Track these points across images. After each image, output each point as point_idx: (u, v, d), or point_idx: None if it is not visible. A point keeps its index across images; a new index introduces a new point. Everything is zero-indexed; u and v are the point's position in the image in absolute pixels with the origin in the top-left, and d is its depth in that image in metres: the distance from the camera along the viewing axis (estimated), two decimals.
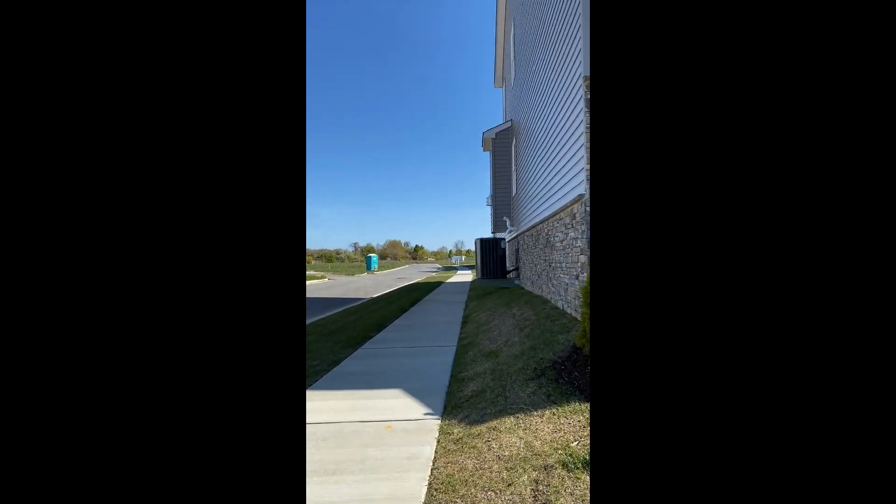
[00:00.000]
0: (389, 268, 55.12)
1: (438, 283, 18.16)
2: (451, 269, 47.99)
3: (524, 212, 8.80)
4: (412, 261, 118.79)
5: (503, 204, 10.94)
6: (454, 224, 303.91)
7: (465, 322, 7.11)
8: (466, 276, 23.47)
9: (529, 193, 8.10)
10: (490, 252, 9.84)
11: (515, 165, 10.18)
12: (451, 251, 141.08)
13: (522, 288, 8.83)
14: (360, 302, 12.14)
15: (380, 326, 7.09)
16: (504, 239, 9.68)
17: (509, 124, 10.98)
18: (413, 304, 10.35)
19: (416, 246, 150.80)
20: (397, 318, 8.12)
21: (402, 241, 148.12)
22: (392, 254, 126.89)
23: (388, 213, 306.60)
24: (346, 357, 5.01)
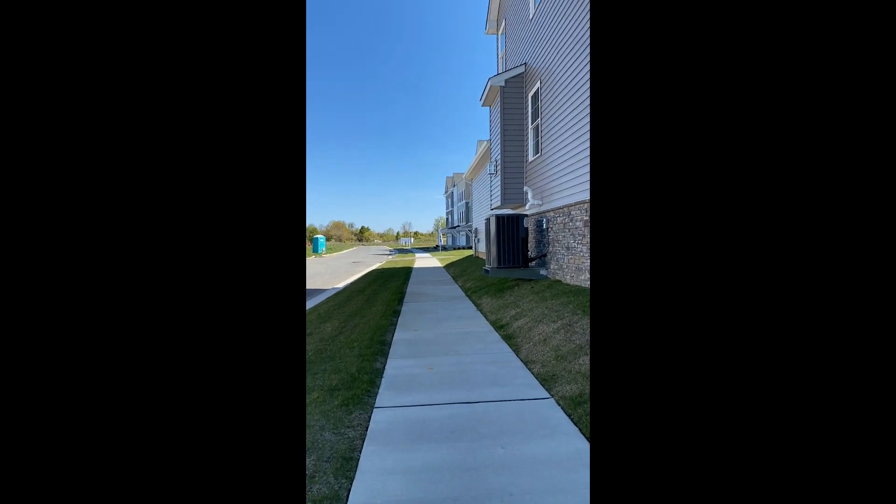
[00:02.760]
0: (337, 250, 51.44)
1: (407, 270, 15.67)
2: (406, 251, 45.47)
3: (561, 181, 6.56)
4: (358, 242, 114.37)
5: (514, 171, 8.62)
6: (401, 205, 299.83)
7: (509, 336, 4.77)
8: (430, 261, 21.16)
9: (579, 155, 5.84)
10: (509, 233, 7.47)
11: (537, 121, 7.87)
12: (398, 233, 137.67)
13: (561, 282, 6.66)
14: (324, 296, 9.43)
15: (380, 345, 4.57)
16: (524, 216, 7.40)
17: (522, 68, 8.59)
18: (399, 300, 7.84)
19: (362, 227, 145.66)
20: (394, 326, 5.62)
21: (347, 223, 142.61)
22: (337, 235, 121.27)
23: (329, 192, 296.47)
24: (363, 442, 2.49)
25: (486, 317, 6.01)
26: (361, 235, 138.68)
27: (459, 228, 43.90)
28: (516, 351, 4.23)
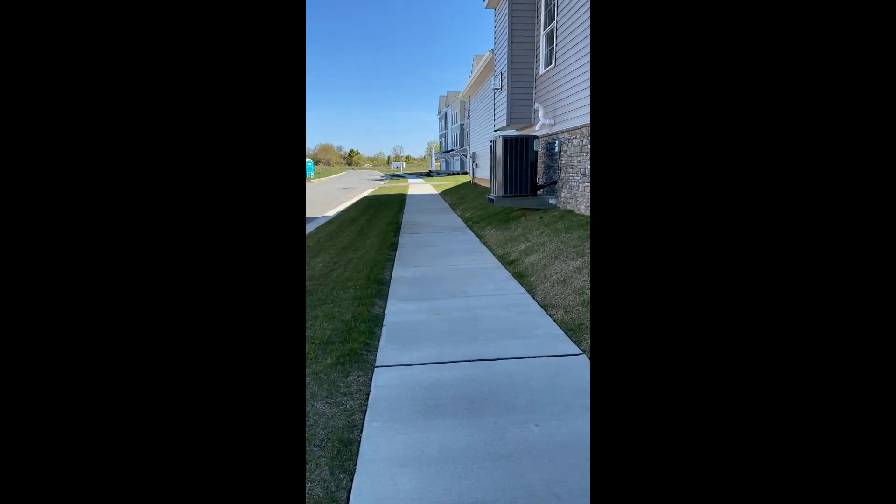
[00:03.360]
0: (325, 175, 49.72)
1: (401, 197, 14.97)
2: (398, 177, 44.08)
3: (580, 96, 5.70)
4: (348, 167, 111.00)
5: (523, 86, 7.63)
6: (392, 127, 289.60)
7: (521, 274, 4.29)
8: (425, 187, 20.35)
9: None
10: (517, 157, 6.65)
11: (552, 24, 6.77)
12: (389, 157, 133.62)
13: (574, 213, 6.06)
14: (313, 225, 8.83)
15: (378, 285, 4.07)
16: (534, 138, 6.60)
17: None
18: (395, 231, 7.29)
19: (352, 150, 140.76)
20: (392, 261, 5.11)
21: (336, 146, 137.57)
22: (325, 159, 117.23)
23: (316, 114, 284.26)
24: (364, 417, 2.05)
25: (492, 251, 5.50)
26: (351, 159, 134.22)
27: (454, 153, 42.12)
28: (531, 292, 3.76)
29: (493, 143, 6.66)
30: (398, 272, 4.60)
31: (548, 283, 3.82)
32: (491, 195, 6.91)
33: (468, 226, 7.63)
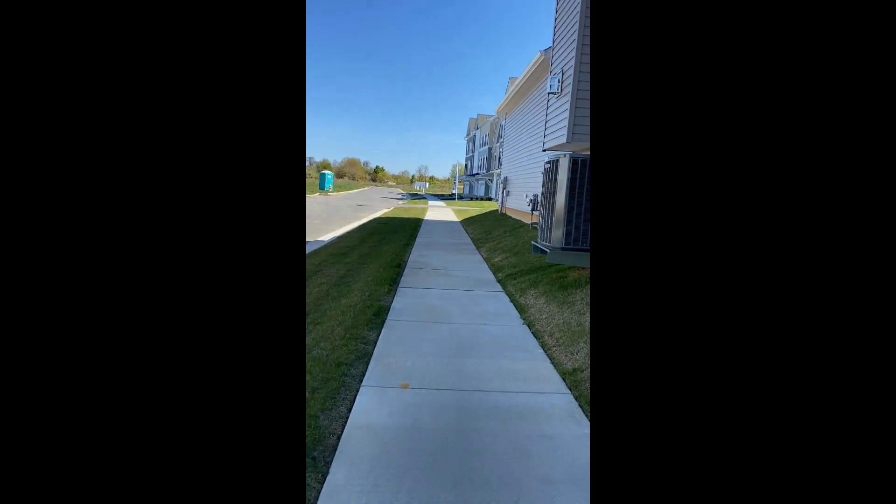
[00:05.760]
0: (347, 188, 48.36)
1: (416, 222, 12.73)
2: (418, 197, 42.28)
3: None
4: (371, 182, 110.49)
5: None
6: (420, 147, 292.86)
7: None
8: (445, 212, 18.17)
9: None
10: (586, 191, 4.33)
11: None
12: (413, 176, 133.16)
13: None
14: None
15: (313, 448, 1.68)
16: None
17: None
18: (391, 281, 4.96)
19: (377, 167, 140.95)
20: (368, 357, 2.76)
21: (362, 161, 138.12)
22: (350, 173, 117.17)
23: (346, 127, 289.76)
24: None
25: (547, 352, 3.09)
26: (375, 175, 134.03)
27: (479, 177, 40.19)
28: None
29: (553, 164, 4.31)
30: (364, 405, 2.24)
31: None
32: (541, 242, 4.53)
33: (499, 281, 5.25)
